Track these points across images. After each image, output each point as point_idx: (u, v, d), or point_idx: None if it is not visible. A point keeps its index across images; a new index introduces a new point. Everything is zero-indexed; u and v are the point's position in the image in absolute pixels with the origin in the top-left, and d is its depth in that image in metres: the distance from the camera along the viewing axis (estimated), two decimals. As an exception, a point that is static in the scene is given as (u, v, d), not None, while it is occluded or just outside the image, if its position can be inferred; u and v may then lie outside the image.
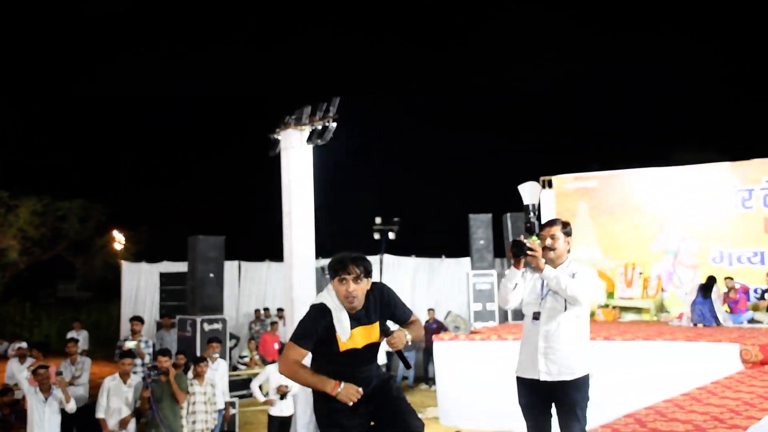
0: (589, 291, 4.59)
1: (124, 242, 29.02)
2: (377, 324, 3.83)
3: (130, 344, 10.74)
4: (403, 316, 3.96)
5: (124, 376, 8.54)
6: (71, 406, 8.31)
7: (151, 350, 11.11)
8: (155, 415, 8.19)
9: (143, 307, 18.57)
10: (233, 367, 14.69)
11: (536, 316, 4.69)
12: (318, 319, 3.77)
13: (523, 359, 4.75)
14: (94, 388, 10.82)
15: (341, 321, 3.76)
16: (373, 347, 3.86)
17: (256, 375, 10.57)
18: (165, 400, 8.27)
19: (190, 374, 8.86)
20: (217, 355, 10.12)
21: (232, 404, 10.75)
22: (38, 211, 26.25)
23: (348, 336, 3.74)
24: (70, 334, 15.12)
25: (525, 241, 4.55)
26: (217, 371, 9.94)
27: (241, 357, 15.83)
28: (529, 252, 4.52)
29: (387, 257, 18.25)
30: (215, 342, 10.30)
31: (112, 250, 28.87)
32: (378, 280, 3.92)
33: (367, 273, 3.78)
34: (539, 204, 4.94)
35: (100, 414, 8.38)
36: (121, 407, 8.43)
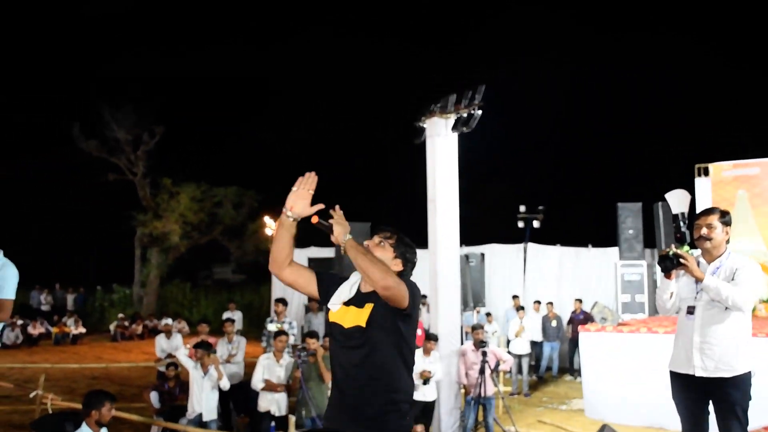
0: (753, 293, 4.35)
1: (274, 228, 30.25)
2: (369, 309, 3.37)
3: (272, 326, 11.16)
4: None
5: (278, 354, 8.94)
6: (224, 383, 8.78)
7: (295, 331, 11.50)
8: (305, 394, 8.53)
9: (292, 291, 19.30)
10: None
11: (690, 311, 4.51)
12: (341, 276, 3.59)
13: (677, 354, 4.58)
14: (248, 366, 11.39)
15: (344, 290, 3.49)
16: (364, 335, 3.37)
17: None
18: (313, 379, 8.59)
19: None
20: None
21: (377, 387, 10.99)
22: (197, 198, 27.87)
23: (338, 308, 3.47)
24: (226, 315, 15.99)
25: (676, 251, 4.41)
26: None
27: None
28: (681, 261, 4.38)
29: (531, 246, 18.00)
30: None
31: (263, 235, 30.15)
32: (414, 282, 3.43)
33: (393, 245, 3.50)
34: (688, 213, 4.74)
35: (258, 386, 8.79)
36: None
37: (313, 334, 9.12)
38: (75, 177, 29.59)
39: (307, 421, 8.48)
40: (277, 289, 19.50)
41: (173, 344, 11.86)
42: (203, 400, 8.61)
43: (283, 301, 11.98)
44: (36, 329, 22.43)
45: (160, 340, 12.12)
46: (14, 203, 29.84)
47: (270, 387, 8.79)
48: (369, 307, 3.35)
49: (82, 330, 23.44)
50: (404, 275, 3.45)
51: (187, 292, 30.70)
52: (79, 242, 33.13)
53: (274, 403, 8.80)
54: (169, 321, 13.09)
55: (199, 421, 8.47)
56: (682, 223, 4.62)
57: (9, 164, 30.13)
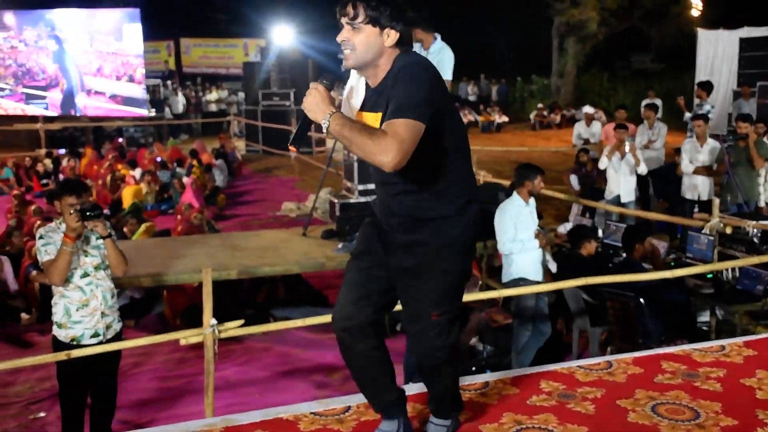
0: None
1: (701, 8, 27.74)
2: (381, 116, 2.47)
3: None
4: (391, 111, 2.38)
5: (701, 138, 8.62)
6: (642, 169, 8.77)
7: (712, 116, 10.74)
8: (731, 179, 8.16)
9: (719, 76, 17.95)
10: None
11: None
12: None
13: None
14: (668, 154, 11.18)
15: (357, 92, 2.62)
16: None
17: None
18: (741, 164, 8.13)
19: (770, 142, 8.48)
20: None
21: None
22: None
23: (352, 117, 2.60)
24: (646, 102, 15.60)
25: None
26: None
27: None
28: None
29: None
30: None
31: (689, 18, 27.90)
32: (417, 55, 2.51)
33: (374, 20, 2.41)
34: None
35: (688, 169, 8.65)
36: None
37: (746, 117, 8.53)
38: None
39: (732, 207, 8.16)
40: (703, 75, 18.30)
41: (592, 131, 12.10)
42: (621, 183, 8.74)
43: (706, 86, 11.25)
44: (466, 117, 24.50)
45: (579, 127, 12.42)
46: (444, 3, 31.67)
47: (697, 171, 8.56)
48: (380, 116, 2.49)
49: (505, 119, 24.95)
50: (402, 43, 2.49)
51: (604, 81, 30.29)
52: (501, 35, 34.26)
53: (695, 188, 8.61)
54: (590, 109, 13.11)
55: (617, 202, 8.69)
56: None
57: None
